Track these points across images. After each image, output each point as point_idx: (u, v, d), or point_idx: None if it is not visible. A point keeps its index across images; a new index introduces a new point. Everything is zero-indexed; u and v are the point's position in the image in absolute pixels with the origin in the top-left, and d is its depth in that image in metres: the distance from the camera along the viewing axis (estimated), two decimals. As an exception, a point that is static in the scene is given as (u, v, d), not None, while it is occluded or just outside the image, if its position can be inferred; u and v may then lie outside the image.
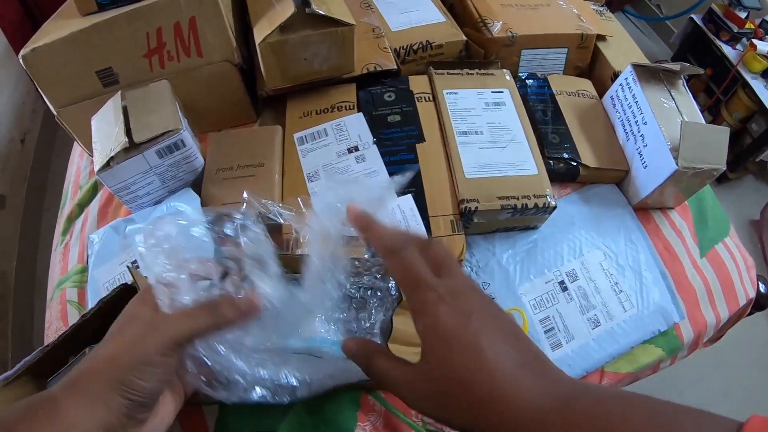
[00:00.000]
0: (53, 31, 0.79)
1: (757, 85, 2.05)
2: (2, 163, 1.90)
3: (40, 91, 0.84)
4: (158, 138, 0.75)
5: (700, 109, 0.93)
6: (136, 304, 0.46)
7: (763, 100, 2.02)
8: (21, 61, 0.77)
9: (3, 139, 1.95)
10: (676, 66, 0.94)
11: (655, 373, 0.85)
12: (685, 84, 0.98)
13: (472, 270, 0.76)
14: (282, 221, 0.72)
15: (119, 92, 0.81)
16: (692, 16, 2.29)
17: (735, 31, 2.11)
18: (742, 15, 2.12)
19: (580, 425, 0.32)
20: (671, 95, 0.92)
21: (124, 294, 0.65)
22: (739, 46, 2.14)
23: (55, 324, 0.85)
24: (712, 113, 2.33)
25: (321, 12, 0.77)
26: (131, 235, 0.82)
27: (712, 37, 2.17)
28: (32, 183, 2.08)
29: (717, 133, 0.82)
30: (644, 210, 0.89)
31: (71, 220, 1.00)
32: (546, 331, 0.74)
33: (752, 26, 2.13)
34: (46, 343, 0.83)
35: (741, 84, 2.11)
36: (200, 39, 0.83)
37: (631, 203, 0.88)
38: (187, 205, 0.80)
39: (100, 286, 0.79)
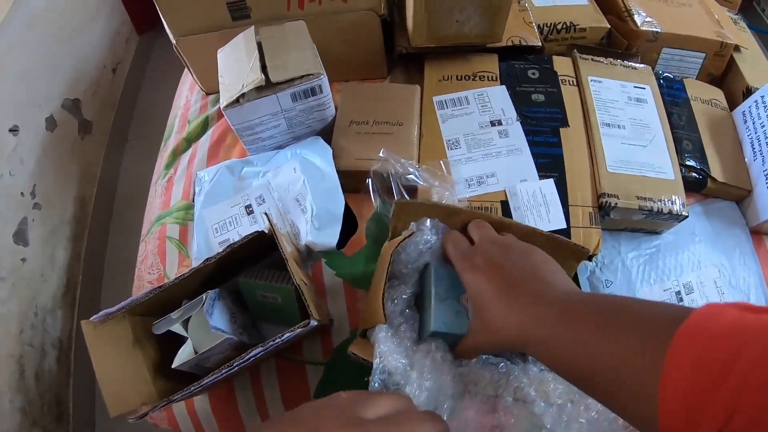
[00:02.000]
0: None
1: None
2: (92, 90, 1.93)
3: (161, 15, 0.82)
4: (296, 80, 0.74)
5: None
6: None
7: None
8: None
9: (95, 66, 1.99)
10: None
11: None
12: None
13: (597, 266, 0.77)
14: (422, 183, 0.73)
15: (253, 27, 0.79)
16: (803, 33, 2.21)
17: None
18: None
19: (547, 334, 0.48)
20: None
21: (252, 243, 0.63)
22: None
23: (151, 259, 0.84)
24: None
25: (482, -23, 0.76)
26: (248, 178, 0.81)
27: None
28: (119, 112, 2.13)
29: None
30: (758, 234, 0.88)
31: (177, 154, 0.99)
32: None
33: None
34: (137, 276, 0.84)
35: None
36: (352, -22, 0.81)
37: (748, 225, 0.87)
38: (317, 155, 0.79)
39: (208, 226, 0.77)
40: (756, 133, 0.90)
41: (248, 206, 0.77)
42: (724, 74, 1.04)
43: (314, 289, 0.71)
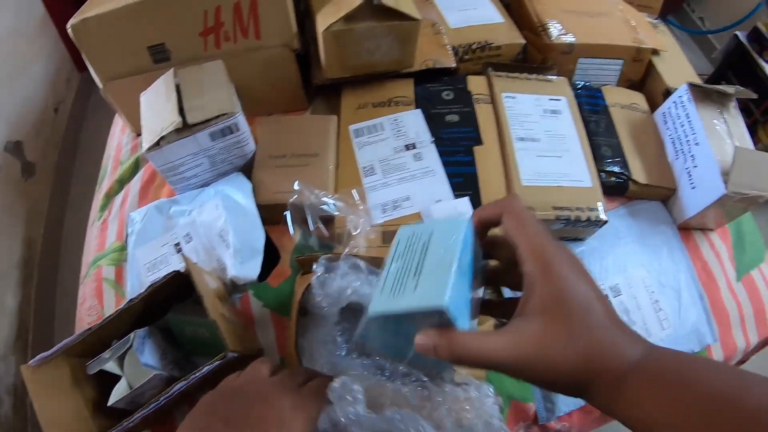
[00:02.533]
0: (105, 1, 0.78)
1: None
2: (35, 131, 1.92)
3: (87, 62, 0.83)
4: (212, 120, 0.74)
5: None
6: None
7: (803, 125, 2.01)
8: (70, 30, 0.77)
9: (37, 107, 1.98)
10: (730, 89, 0.94)
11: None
12: (737, 107, 0.98)
13: (520, 277, 0.77)
14: (337, 213, 0.73)
15: (172, 69, 0.80)
16: (737, 33, 2.27)
17: (780, 51, 2.09)
18: (789, 36, 2.10)
19: (668, 378, 0.36)
20: (723, 117, 0.92)
21: (176, 279, 0.65)
22: (782, 67, 2.12)
23: (89, 301, 0.84)
24: (749, 133, 2.32)
25: (389, 4, 0.77)
26: (176, 217, 0.81)
27: (756, 56, 2.15)
28: (63, 152, 2.12)
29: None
30: (686, 230, 0.89)
31: (110, 196, 0.99)
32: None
33: (799, 48, 2.11)
34: (78, 319, 0.83)
35: (781, 106, 2.10)
36: (260, 21, 0.83)
37: (675, 222, 0.88)
38: (238, 190, 0.79)
39: (140, 266, 0.78)
40: (676, 132, 0.92)
41: (177, 244, 0.78)
42: (644, 78, 1.06)
43: (242, 321, 0.72)
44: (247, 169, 0.83)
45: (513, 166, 0.78)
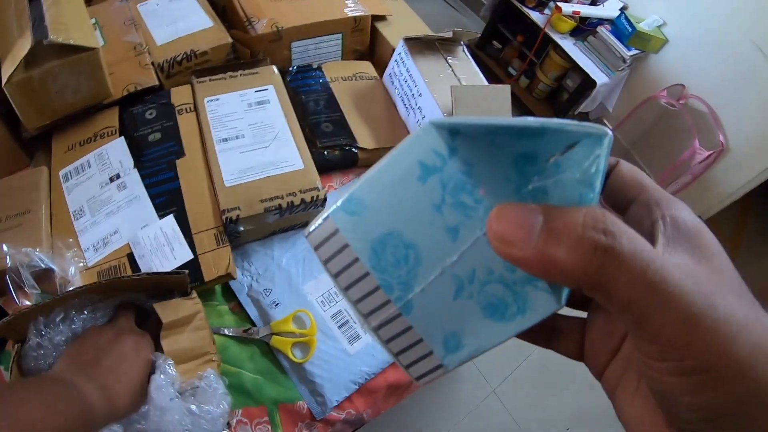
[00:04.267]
0: None
1: (566, 44, 2.19)
2: None
3: None
4: None
5: (482, 72, 0.96)
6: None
7: (573, 57, 2.16)
8: None
9: None
10: (448, 34, 0.96)
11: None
12: (465, 50, 1.00)
13: (252, 278, 0.74)
14: (50, 266, 0.68)
15: None
16: (498, -13, 2.40)
17: (540, -4, 2.24)
18: (546, -19, 2.24)
19: None
20: (448, 63, 0.94)
21: None
22: (546, 11, 2.26)
23: None
24: (529, 76, 2.47)
25: (59, 41, 0.72)
26: None
27: (518, 5, 2.28)
28: None
29: (495, 91, 0.85)
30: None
31: None
32: (340, 326, 0.74)
33: (557, -11, 2.26)
34: None
35: (552, 45, 2.24)
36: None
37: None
38: None
39: None
40: (402, 89, 0.93)
41: None
42: (373, 46, 1.06)
43: None
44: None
45: (216, 170, 0.75)
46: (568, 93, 2.29)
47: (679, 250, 0.22)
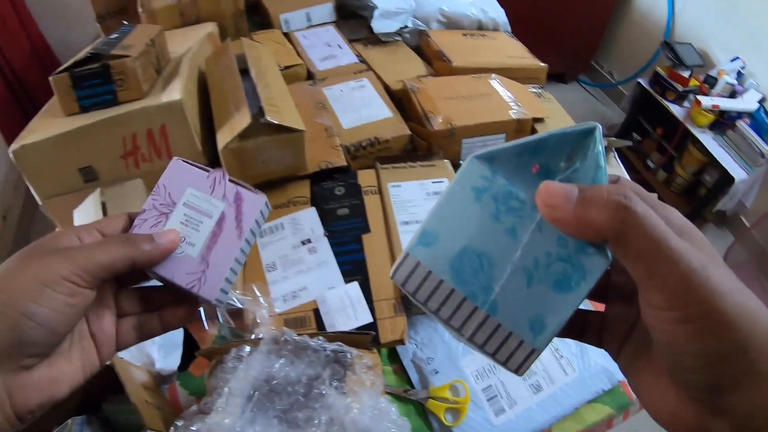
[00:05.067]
0: (40, 128, 0.88)
1: (705, 138, 2.17)
2: None
3: (27, 182, 0.92)
4: None
5: (621, 164, 1.03)
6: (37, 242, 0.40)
7: (711, 152, 2.14)
8: (11, 155, 0.85)
9: None
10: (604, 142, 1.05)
11: (609, 429, 0.89)
12: (616, 156, 1.09)
13: (417, 346, 0.84)
14: (243, 307, 0.82)
15: (98, 189, 0.90)
16: (639, 80, 2.44)
17: (680, 90, 2.26)
18: (685, 74, 2.27)
19: None
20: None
21: (109, 372, 0.71)
22: (686, 103, 2.27)
23: None
24: (667, 170, 2.45)
25: (275, 121, 0.87)
26: None
27: (659, 98, 2.31)
28: None
29: None
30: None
31: None
32: (489, 399, 0.81)
33: (697, 82, 2.27)
34: None
35: (690, 139, 2.24)
36: (170, 142, 0.93)
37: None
38: None
39: None
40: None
41: None
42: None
43: (170, 407, 0.79)
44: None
45: (397, 248, 0.87)
46: (706, 188, 2.27)
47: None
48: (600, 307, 0.38)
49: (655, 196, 0.33)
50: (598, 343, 0.37)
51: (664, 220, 0.28)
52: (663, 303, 0.27)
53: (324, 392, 0.68)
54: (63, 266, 0.36)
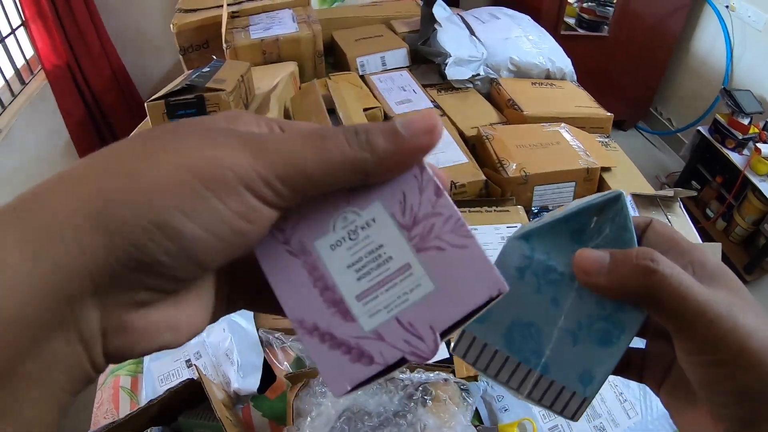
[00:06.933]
0: None
1: (765, 187, 2.14)
2: None
3: None
4: None
5: (696, 228, 1.07)
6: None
7: (771, 201, 2.12)
8: None
9: None
10: (670, 192, 1.09)
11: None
12: (682, 206, 1.13)
13: (488, 384, 0.89)
14: None
15: None
16: (699, 128, 2.44)
17: (740, 138, 2.26)
18: (745, 121, 2.26)
19: None
20: (668, 219, 1.07)
21: (189, 387, 0.80)
22: (745, 151, 2.27)
23: (106, 405, 0.96)
24: (726, 219, 2.43)
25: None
26: None
27: (718, 146, 2.31)
28: None
29: (707, 248, 0.96)
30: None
31: None
32: (554, 437, 0.86)
33: (756, 130, 2.27)
34: (94, 422, 0.95)
35: (750, 188, 2.23)
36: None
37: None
38: (241, 316, 0.97)
39: (155, 377, 0.93)
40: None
41: (188, 360, 0.94)
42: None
43: (244, 428, 0.84)
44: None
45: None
46: (766, 238, 2.25)
47: (705, 282, 0.30)
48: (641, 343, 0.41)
49: (695, 238, 0.37)
50: (639, 379, 0.38)
51: (696, 265, 0.31)
52: (695, 349, 0.29)
53: (414, 414, 0.74)
54: (242, 160, 0.22)
